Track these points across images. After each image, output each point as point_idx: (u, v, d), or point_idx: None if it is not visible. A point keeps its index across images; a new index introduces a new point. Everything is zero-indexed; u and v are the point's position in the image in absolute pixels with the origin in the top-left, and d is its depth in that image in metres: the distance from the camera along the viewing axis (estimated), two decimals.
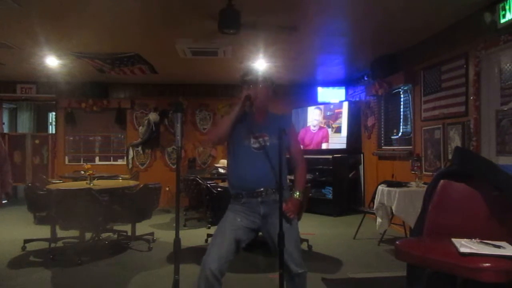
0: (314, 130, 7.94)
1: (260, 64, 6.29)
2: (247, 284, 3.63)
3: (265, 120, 2.42)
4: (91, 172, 5.01)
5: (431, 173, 4.84)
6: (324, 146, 7.69)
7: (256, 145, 2.33)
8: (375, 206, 4.73)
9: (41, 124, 10.07)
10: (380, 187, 4.71)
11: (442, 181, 2.86)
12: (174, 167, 8.11)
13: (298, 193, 2.40)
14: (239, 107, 2.31)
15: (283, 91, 8.09)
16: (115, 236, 5.24)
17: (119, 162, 8.36)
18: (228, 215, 2.38)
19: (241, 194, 2.34)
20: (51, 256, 4.36)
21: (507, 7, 3.61)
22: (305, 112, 8.13)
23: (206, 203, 4.66)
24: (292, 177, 2.52)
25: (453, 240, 2.36)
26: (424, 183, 4.42)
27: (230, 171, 2.46)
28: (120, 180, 6.18)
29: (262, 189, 2.31)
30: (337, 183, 7.23)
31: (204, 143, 8.29)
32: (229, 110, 2.47)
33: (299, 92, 8.19)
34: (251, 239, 2.47)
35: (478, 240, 2.33)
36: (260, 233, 2.53)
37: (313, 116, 7.98)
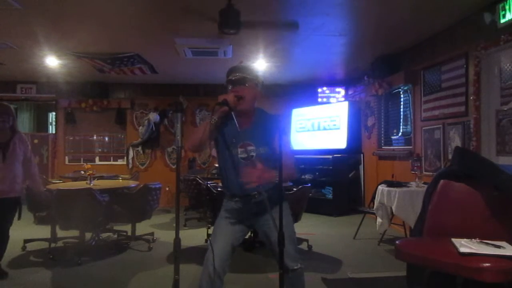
0: None
1: (260, 64, 6.30)
2: (247, 284, 3.62)
3: (251, 125, 2.26)
4: (91, 172, 5.01)
5: (431, 173, 4.84)
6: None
7: (243, 155, 2.23)
8: (375, 206, 4.73)
9: (41, 124, 10.07)
10: (380, 187, 4.70)
11: (442, 181, 2.86)
12: (174, 167, 8.11)
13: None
14: (216, 115, 2.12)
15: (283, 91, 8.12)
16: (115, 236, 5.24)
17: (119, 162, 8.36)
18: (223, 213, 2.36)
19: (234, 195, 2.32)
20: (51, 256, 4.36)
21: (507, 7, 3.61)
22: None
23: (206, 203, 4.66)
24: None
25: (453, 240, 2.37)
26: (424, 183, 4.42)
27: (221, 177, 2.40)
28: (120, 180, 6.18)
29: (254, 192, 2.25)
30: (337, 183, 7.23)
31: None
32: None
33: (299, 92, 8.19)
34: (246, 235, 2.46)
35: (478, 240, 2.33)
36: None
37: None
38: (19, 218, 3.85)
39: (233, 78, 2.23)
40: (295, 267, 2.30)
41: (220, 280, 2.19)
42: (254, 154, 2.23)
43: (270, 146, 2.22)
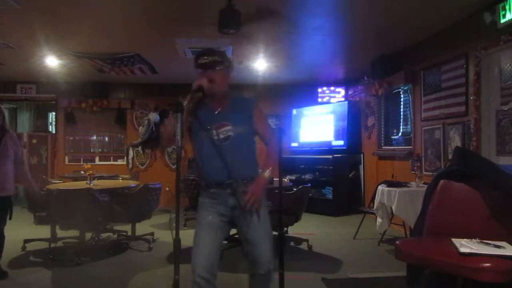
0: None
1: (260, 64, 6.30)
2: (247, 284, 3.62)
3: (226, 108, 2.21)
4: (91, 172, 5.01)
5: (431, 173, 4.84)
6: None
7: (219, 137, 2.14)
8: (375, 206, 4.73)
9: (41, 124, 10.06)
10: (380, 187, 4.70)
11: (442, 181, 2.86)
12: (174, 167, 8.10)
13: (266, 172, 2.19)
14: (191, 102, 2.08)
15: (283, 91, 8.12)
16: (115, 236, 5.24)
17: (119, 162, 8.36)
18: (200, 213, 2.24)
19: (210, 184, 2.20)
20: (51, 256, 4.35)
21: (507, 7, 3.61)
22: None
23: None
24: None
25: (453, 240, 2.36)
26: (424, 183, 4.42)
27: (197, 164, 2.28)
28: (120, 180, 6.18)
29: (231, 181, 2.15)
30: (337, 183, 7.22)
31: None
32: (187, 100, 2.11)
33: (299, 92, 8.19)
34: (228, 232, 2.36)
35: (478, 240, 2.33)
36: None
37: None
38: (10, 217, 3.80)
39: (203, 62, 2.19)
40: (267, 269, 2.18)
41: (211, 284, 2.11)
42: (232, 133, 2.15)
43: (248, 126, 2.19)
